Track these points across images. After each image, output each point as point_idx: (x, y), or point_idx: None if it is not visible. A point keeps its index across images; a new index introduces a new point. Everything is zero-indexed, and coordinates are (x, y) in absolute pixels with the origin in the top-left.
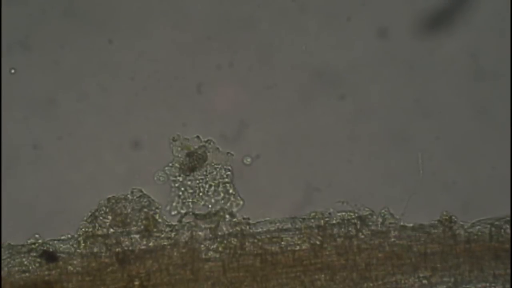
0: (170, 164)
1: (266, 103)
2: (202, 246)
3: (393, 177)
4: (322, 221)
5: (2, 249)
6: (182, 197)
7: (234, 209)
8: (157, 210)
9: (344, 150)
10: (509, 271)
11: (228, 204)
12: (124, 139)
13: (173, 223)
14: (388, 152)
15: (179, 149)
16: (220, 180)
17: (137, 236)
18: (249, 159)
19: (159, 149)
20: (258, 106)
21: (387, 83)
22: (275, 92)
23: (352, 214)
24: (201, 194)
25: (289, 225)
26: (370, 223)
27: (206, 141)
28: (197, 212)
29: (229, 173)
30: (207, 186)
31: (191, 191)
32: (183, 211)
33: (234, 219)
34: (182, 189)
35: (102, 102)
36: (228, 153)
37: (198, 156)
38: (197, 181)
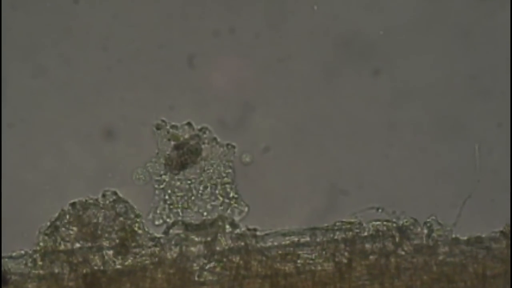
0: (154, 159)
1: (278, 80)
2: (195, 265)
3: (442, 176)
4: (350, 233)
5: None
6: (169, 202)
7: (237, 218)
8: (137, 219)
9: (379, 142)
10: None
11: (229, 211)
12: (94, 126)
13: (158, 236)
14: (435, 143)
15: (165, 139)
16: (219, 180)
17: (110, 252)
18: (248, 158)
19: (139, 139)
20: (267, 84)
21: (434, 54)
22: (289, 66)
23: (389, 224)
24: (193, 198)
25: (308, 239)
26: (413, 236)
27: (199, 130)
28: (188, 221)
29: (230, 171)
30: (201, 187)
31: (180, 194)
32: (170, 220)
33: (237, 231)
34: (169, 191)
35: (65, 78)
36: (228, 145)
37: (190, 148)
38: (189, 182)
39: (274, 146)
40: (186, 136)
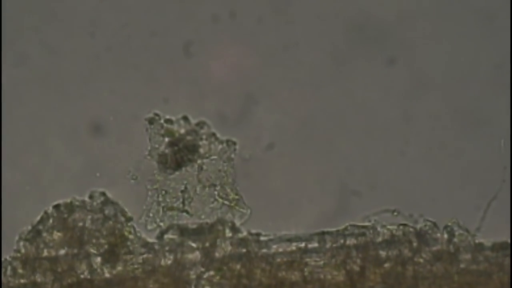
0: (146, 157)
1: (283, 70)
2: (192, 274)
3: (464, 175)
4: (362, 239)
5: None
6: (163, 204)
7: (238, 222)
8: (127, 223)
9: (395, 137)
10: None
11: (229, 214)
12: (80, 121)
13: (150, 241)
14: (457, 139)
15: (158, 135)
16: (218, 180)
17: (98, 260)
18: (247, 155)
19: (130, 135)
20: (271, 74)
21: (455, 41)
22: (295, 54)
23: (406, 228)
24: (190, 200)
25: (316, 244)
26: (432, 242)
27: (197, 124)
28: (184, 225)
29: (230, 170)
30: (198, 188)
31: (176, 195)
32: (164, 224)
33: (238, 236)
34: (163, 192)
35: (48, 68)
36: (228, 141)
37: (186, 145)
38: (185, 182)
39: (279, 143)
40: (182, 131)
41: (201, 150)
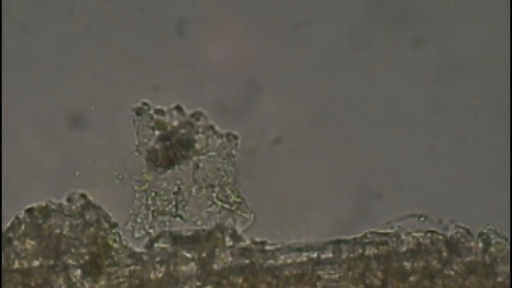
0: (134, 153)
1: (292, 52)
2: None
3: (502, 174)
4: (384, 248)
5: None
6: (153, 207)
7: (240, 228)
8: (112, 230)
9: (421, 130)
10: None
11: (230, 219)
12: (58, 111)
13: (138, 251)
14: (493, 132)
15: (147, 128)
16: (216, 180)
17: (78, 272)
18: (253, 146)
19: (114, 128)
20: (278, 57)
21: (490, 20)
22: (307, 33)
23: (434, 236)
24: (184, 203)
25: (330, 255)
26: (465, 251)
27: (192, 116)
28: (177, 232)
29: (231, 168)
30: (194, 189)
31: (167, 197)
32: (154, 232)
33: (240, 245)
34: (153, 194)
35: (21, 50)
36: (228, 135)
37: (180, 140)
38: (178, 182)
39: (287, 137)
40: (175, 123)
41: (197, 146)
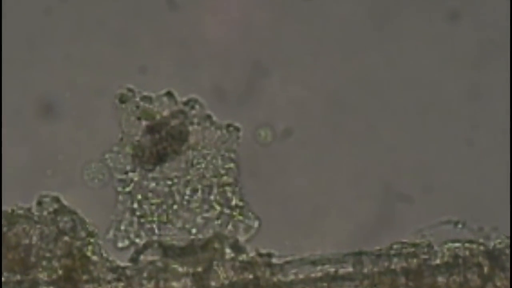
0: (116, 148)
1: (304, 28)
2: None
3: None
4: (414, 261)
5: None
6: (138, 212)
7: (242, 237)
8: (90, 239)
9: (459, 122)
10: None
11: (230, 226)
12: (26, 98)
13: (122, 265)
14: None
15: (133, 118)
16: (215, 179)
17: None
18: (266, 134)
19: (93, 118)
20: (288, 33)
21: None
22: (321, 5)
23: (474, 246)
24: (176, 207)
25: (350, 269)
26: (510, 265)
27: (185, 103)
28: (168, 242)
29: (231, 166)
30: (188, 191)
31: (156, 201)
32: (140, 241)
33: (242, 257)
34: (139, 197)
35: None
36: (229, 126)
37: (171, 132)
38: (169, 182)
39: (299, 128)
40: (165, 113)
41: (192, 139)
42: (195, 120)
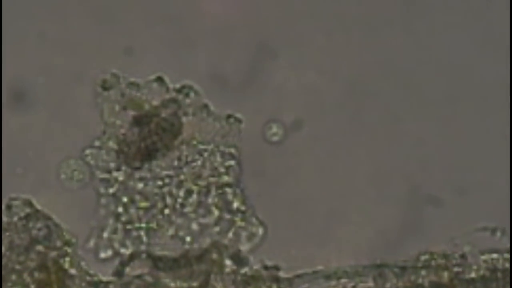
0: (97, 143)
1: (317, 3)
2: None
3: None
4: (445, 274)
5: None
6: (124, 218)
7: (244, 247)
8: (67, 249)
9: (497, 114)
10: None
11: (231, 234)
12: None
13: (104, 279)
14: None
15: (117, 108)
16: (212, 179)
17: None
18: (276, 130)
19: (71, 108)
20: (298, 9)
21: None
22: None
23: None
24: (168, 212)
25: (371, 283)
26: None
27: (179, 91)
28: (158, 252)
29: (232, 163)
30: (181, 193)
31: (144, 204)
32: (126, 251)
33: (244, 270)
34: (125, 199)
35: None
36: (230, 117)
37: (161, 124)
38: (160, 183)
39: (311, 120)
40: (155, 102)
41: (186, 132)
42: (190, 110)
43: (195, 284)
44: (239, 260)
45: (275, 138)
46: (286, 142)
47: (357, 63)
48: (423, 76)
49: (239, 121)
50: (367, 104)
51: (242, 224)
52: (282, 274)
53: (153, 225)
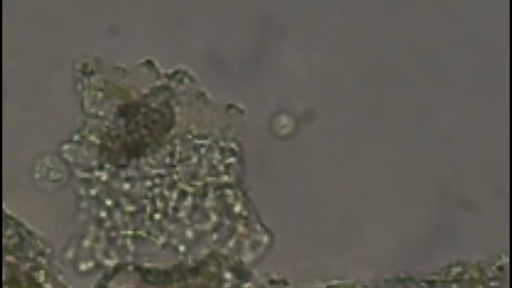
0: (76, 137)
1: None
2: None
3: None
4: None
5: None
6: (107, 224)
7: (246, 258)
8: (41, 260)
9: None
10: None
11: (231, 243)
12: None
13: None
14: None
15: (100, 96)
16: (210, 179)
17: None
18: (286, 122)
19: (45, 96)
20: None
21: None
22: None
23: None
24: (158, 217)
25: None
26: None
27: (171, 76)
28: (148, 264)
29: (233, 161)
30: (175, 195)
31: (131, 209)
32: (109, 262)
33: (247, 285)
34: (109, 203)
35: None
36: (230, 107)
37: (151, 115)
38: (149, 183)
39: (324, 109)
40: (144, 89)
41: (179, 125)
42: (184, 99)
43: None
44: (241, 273)
45: (284, 131)
46: (296, 136)
47: (379, 43)
48: (456, 59)
49: (241, 111)
50: (390, 92)
51: (245, 231)
52: None
53: (142, 232)
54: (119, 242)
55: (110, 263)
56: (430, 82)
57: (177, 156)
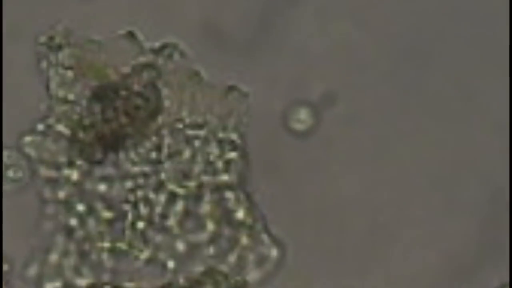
0: (41, 127)
1: None
2: None
3: None
4: None
5: None
6: (78, 235)
7: (252, 275)
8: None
9: None
10: None
11: (232, 257)
12: None
13: None
14: None
15: (70, 76)
16: (207, 180)
17: None
18: (304, 117)
19: (4, 77)
20: None
21: None
22: None
23: None
24: (142, 226)
25: None
26: None
27: (158, 51)
28: (128, 285)
29: (234, 156)
30: (162, 198)
31: (108, 215)
32: (81, 281)
33: None
34: (80, 208)
35: None
36: (231, 89)
37: (134, 99)
38: (130, 184)
39: (346, 93)
40: (124, 68)
41: (167, 112)
42: (174, 79)
43: None
44: None
45: (300, 127)
46: (312, 126)
47: (409, 12)
48: (503, 32)
49: (244, 95)
50: (428, 71)
51: (249, 243)
52: None
53: (121, 244)
54: (93, 256)
55: (82, 282)
56: (476, 59)
57: (165, 150)
